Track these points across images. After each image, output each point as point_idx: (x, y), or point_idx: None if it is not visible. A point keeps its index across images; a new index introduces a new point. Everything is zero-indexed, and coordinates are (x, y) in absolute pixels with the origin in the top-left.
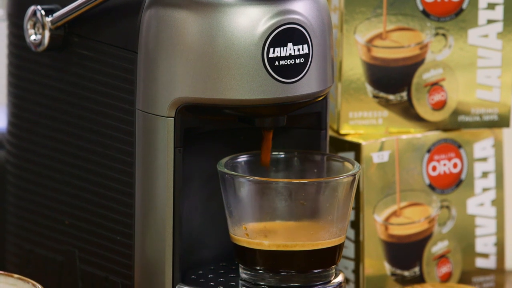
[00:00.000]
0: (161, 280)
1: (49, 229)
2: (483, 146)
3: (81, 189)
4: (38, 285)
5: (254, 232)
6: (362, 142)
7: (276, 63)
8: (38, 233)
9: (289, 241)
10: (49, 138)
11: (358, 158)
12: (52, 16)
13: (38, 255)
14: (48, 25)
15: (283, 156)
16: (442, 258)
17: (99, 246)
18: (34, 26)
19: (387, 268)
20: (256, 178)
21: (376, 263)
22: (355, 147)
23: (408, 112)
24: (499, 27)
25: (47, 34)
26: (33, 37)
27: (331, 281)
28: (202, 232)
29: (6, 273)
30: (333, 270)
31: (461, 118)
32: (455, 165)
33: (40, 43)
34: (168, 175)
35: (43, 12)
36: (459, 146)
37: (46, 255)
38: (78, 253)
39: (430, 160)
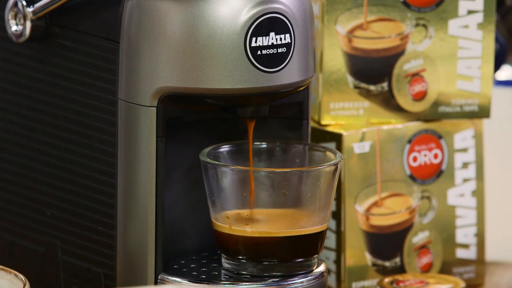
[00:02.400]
0: (144, 270)
1: (31, 221)
2: (463, 137)
3: (63, 180)
4: (20, 275)
5: (237, 221)
6: (343, 133)
7: (259, 52)
8: (20, 225)
9: (272, 229)
10: (31, 129)
11: (339, 149)
12: (33, 6)
13: (20, 247)
14: (30, 15)
15: (265, 146)
16: (422, 248)
17: (81, 237)
18: (15, 17)
19: (368, 258)
20: (238, 167)
21: (357, 254)
22: (336, 138)
23: (389, 102)
24: (479, 17)
25: (28, 25)
26: (14, 28)
27: (313, 270)
28: (185, 222)
29: None
30: (315, 260)
31: (442, 108)
32: (435, 156)
33: (21, 34)
34: (150, 165)
35: (24, 3)
36: (440, 137)
37: (28, 247)
38: (60, 244)
39: (411, 150)
